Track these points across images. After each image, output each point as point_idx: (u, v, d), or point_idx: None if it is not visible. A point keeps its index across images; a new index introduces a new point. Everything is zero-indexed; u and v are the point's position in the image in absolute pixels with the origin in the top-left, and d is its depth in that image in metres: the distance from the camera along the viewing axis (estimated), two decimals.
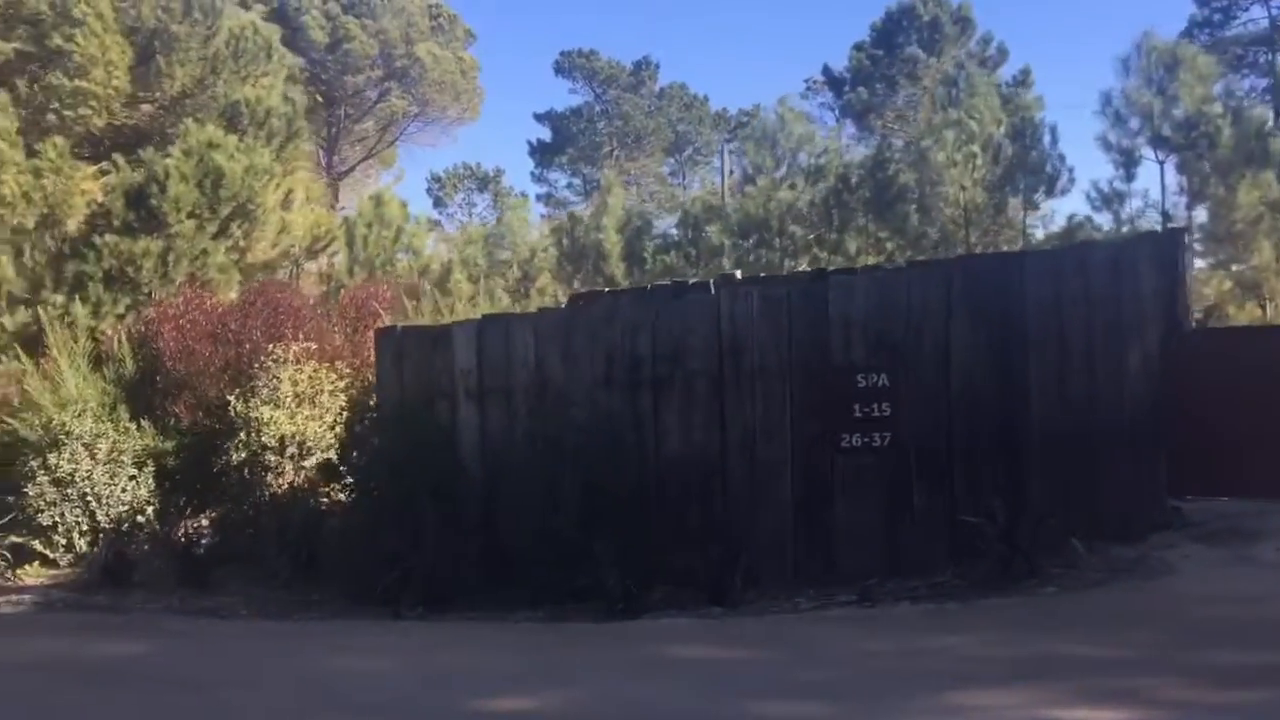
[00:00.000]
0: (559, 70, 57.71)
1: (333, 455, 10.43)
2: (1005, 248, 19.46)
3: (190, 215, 15.36)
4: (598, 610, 7.76)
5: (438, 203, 55.23)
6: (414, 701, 5.80)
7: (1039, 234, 22.20)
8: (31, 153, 14.21)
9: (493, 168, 55.81)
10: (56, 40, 14.03)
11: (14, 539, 11.03)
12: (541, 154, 58.19)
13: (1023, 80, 32.01)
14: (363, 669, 6.69)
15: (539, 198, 55.50)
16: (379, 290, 14.09)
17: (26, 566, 11.12)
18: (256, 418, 10.90)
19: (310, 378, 11.58)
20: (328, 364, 11.82)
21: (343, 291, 15.46)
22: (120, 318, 14.62)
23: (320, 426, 11.05)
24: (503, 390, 9.37)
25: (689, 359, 8.70)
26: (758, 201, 20.76)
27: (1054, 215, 22.80)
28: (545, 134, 57.53)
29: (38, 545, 11.01)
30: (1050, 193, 21.10)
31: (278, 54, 18.09)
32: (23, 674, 7.00)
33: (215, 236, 15.71)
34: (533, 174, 58.19)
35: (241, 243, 16.14)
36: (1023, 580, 7.49)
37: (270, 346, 11.69)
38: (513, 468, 8.87)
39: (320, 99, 38.05)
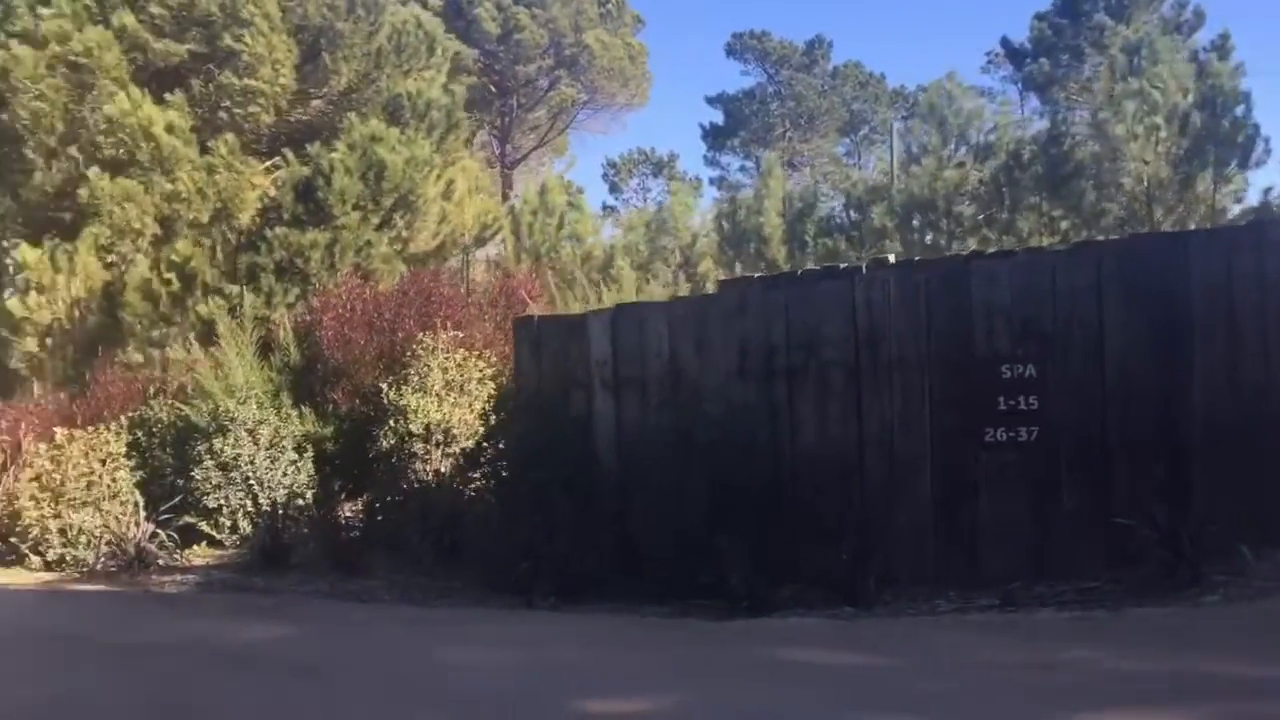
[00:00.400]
0: (730, 52, 57.38)
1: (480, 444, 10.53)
2: (1194, 224, 18.22)
3: (355, 207, 15.83)
4: (723, 608, 7.58)
5: (613, 189, 55.78)
6: (523, 695, 5.75)
7: (1235, 210, 20.71)
8: (205, 150, 14.90)
9: (667, 152, 55.96)
10: (227, 41, 14.64)
11: (187, 520, 11.62)
12: (714, 137, 57.96)
13: (1220, 46, 29.92)
14: (483, 659, 6.70)
15: (711, 181, 55.26)
16: (529, 278, 14.22)
17: (195, 547, 11.69)
18: (404, 405, 11.13)
19: (459, 366, 11.76)
20: (477, 352, 11.99)
21: (493, 279, 15.68)
22: (290, 307, 15.18)
23: (468, 414, 11.20)
24: (637, 381, 9.27)
25: (824, 349, 8.39)
26: (923, 181, 20.04)
27: (1249, 189, 21.19)
28: (717, 117, 57.28)
29: (205, 526, 11.55)
30: (1244, 165, 19.61)
31: (441, 47, 18.43)
32: (165, 653, 7.30)
33: (379, 228, 16.16)
34: (705, 158, 58.05)
35: (404, 233, 16.54)
36: (1184, 589, 6.93)
37: (420, 335, 11.94)
38: (644, 460, 8.76)
39: (494, 89, 38.89)
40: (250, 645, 7.61)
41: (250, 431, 11.76)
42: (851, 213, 21.89)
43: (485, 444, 9.70)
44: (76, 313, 15.78)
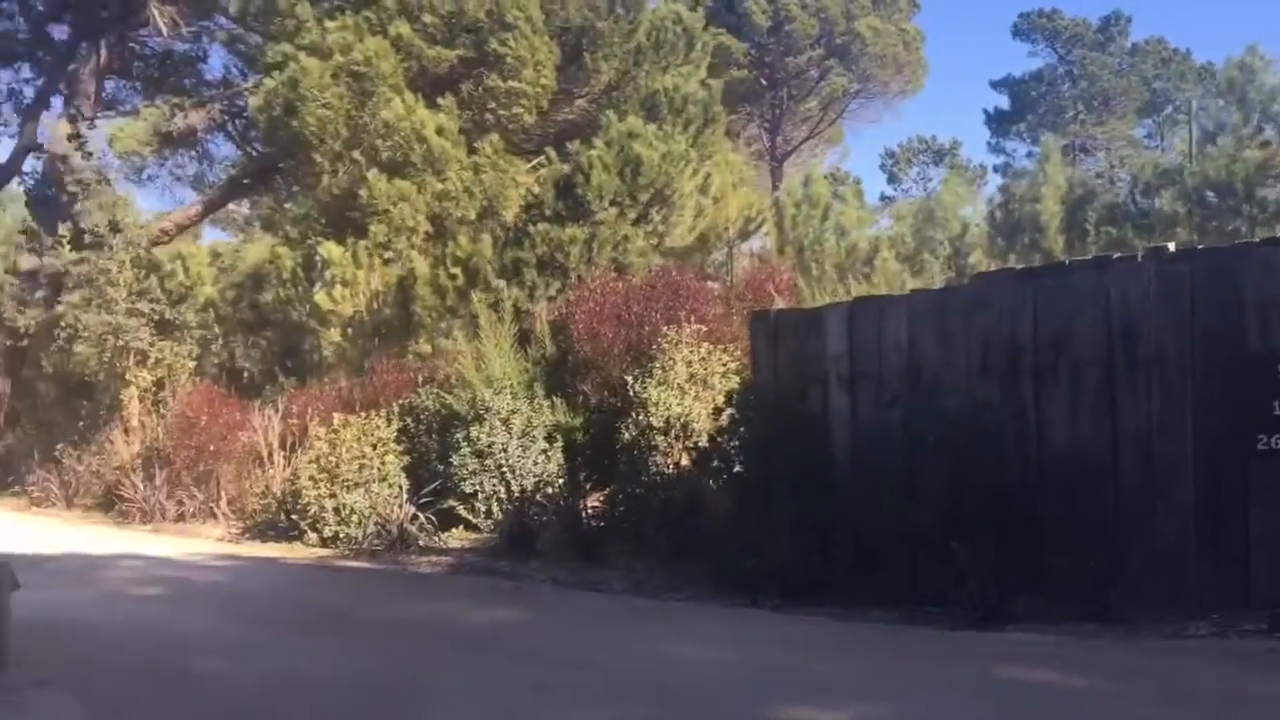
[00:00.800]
0: (1017, 33, 54.67)
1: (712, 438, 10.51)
2: None
3: (612, 203, 16.14)
4: (954, 616, 7.20)
5: (892, 179, 54.47)
6: (726, 696, 5.67)
7: None
8: (472, 150, 15.59)
9: (948, 140, 54.07)
10: (493, 45, 15.25)
11: (450, 503, 12.23)
12: (998, 123, 55.48)
13: None
14: (697, 656, 6.67)
15: (995, 169, 52.97)
16: (777, 271, 14.06)
17: (453, 530, 12.28)
18: (646, 398, 11.25)
19: (702, 360, 11.79)
20: (721, 347, 11.98)
21: (739, 273, 15.61)
22: (550, 300, 15.65)
23: (709, 409, 11.19)
24: (873, 376, 8.94)
25: (1074, 346, 7.80)
26: (1219, 163, 18.39)
27: None
28: (1002, 101, 54.80)
29: (462, 511, 12.11)
30: None
31: (700, 42, 18.49)
32: (405, 630, 7.69)
33: (635, 223, 16.40)
34: (989, 144, 55.64)
35: (660, 228, 16.73)
36: None
37: (665, 328, 12.04)
38: (878, 458, 8.46)
39: (764, 82, 38.79)
40: (484, 627, 7.89)
41: (504, 421, 12.21)
42: (1139, 199, 20.36)
43: (718, 439, 9.64)
44: (375, 305, 16.85)
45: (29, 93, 20.47)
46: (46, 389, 19.96)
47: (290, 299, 19.97)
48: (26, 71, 20.89)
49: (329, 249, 16.45)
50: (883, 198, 50.11)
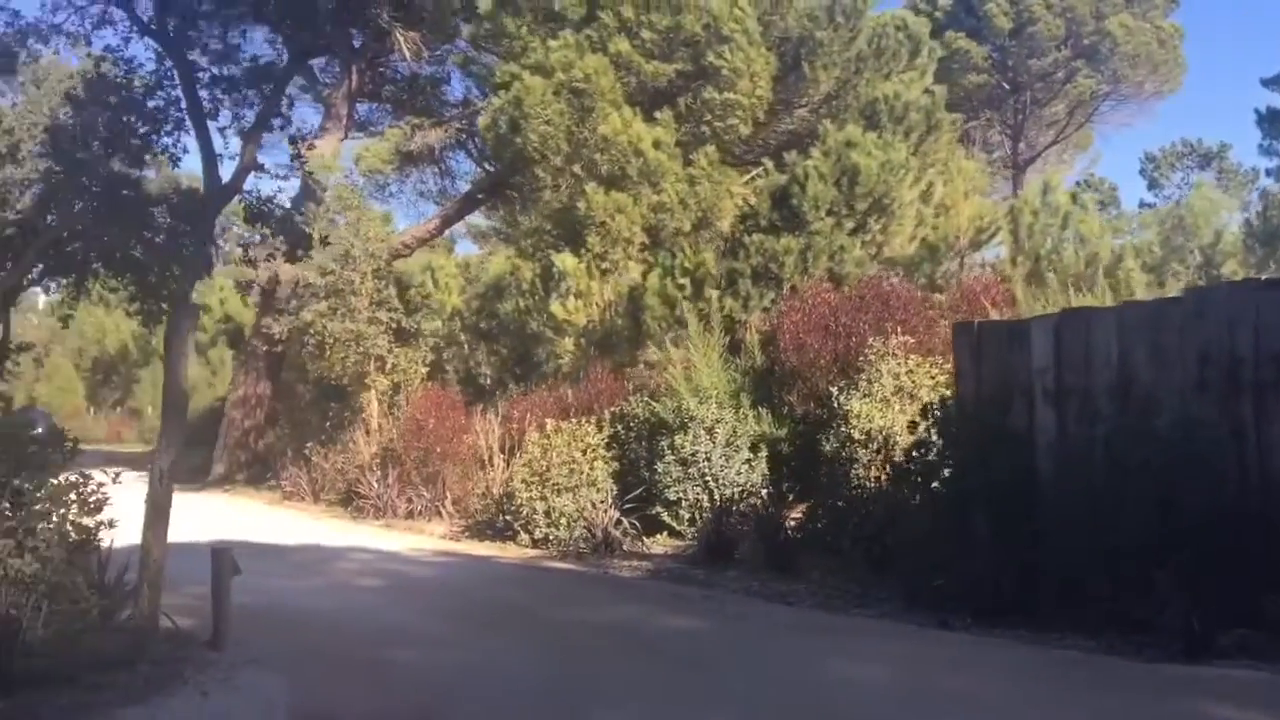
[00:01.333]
0: None
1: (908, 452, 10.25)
2: None
3: (828, 213, 15.99)
4: (1155, 647, 6.76)
5: (1152, 184, 51.38)
6: None
7: None
8: (687, 162, 15.79)
9: (1216, 143, 50.54)
10: (710, 58, 15.40)
11: (655, 510, 12.43)
12: (1270, 123, 51.35)
13: None
14: (870, 678, 6.54)
15: (1269, 173, 49.07)
16: (993, 281, 13.56)
17: (657, 536, 12.46)
18: (848, 410, 11.09)
19: (909, 372, 11.53)
20: (931, 359, 11.67)
21: (953, 283, 15.12)
22: (765, 311, 15.65)
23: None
24: (1080, 391, 8.50)
25: None
26: None
27: None
28: (1276, 100, 50.67)
29: (666, 517, 12.28)
30: None
31: (926, 48, 18.08)
32: (586, 632, 7.90)
33: (852, 232, 16.19)
34: (1260, 146, 51.57)
35: (879, 237, 16.44)
36: None
37: (871, 340, 11.84)
38: (1082, 477, 8.04)
39: (1005, 86, 37.36)
40: (662, 634, 8.00)
41: (709, 430, 12.31)
42: None
43: (913, 452, 9.39)
44: (607, 315, 17.31)
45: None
46: (302, 391, 21.50)
47: (529, 309, 20.82)
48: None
49: (564, 260, 16.93)
50: (1142, 205, 47.37)
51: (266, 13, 22.52)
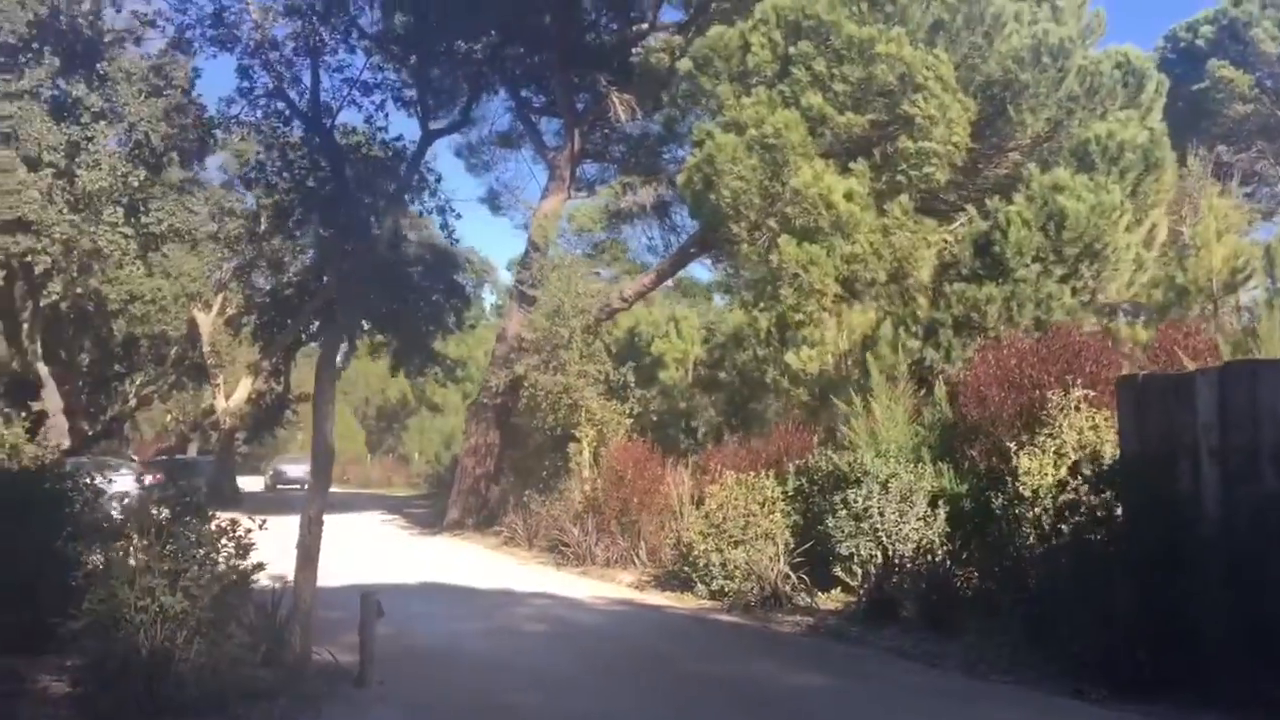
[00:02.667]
0: None
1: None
2: None
3: (1035, 259, 15.37)
4: None
5: None
6: None
7: None
8: (881, 212, 15.59)
9: None
10: (904, 107, 15.20)
11: (830, 564, 12.29)
12: None
13: None
14: None
15: None
16: (1195, 328, 12.65)
17: (831, 592, 12.30)
18: (1015, 466, 10.63)
19: (1094, 427, 10.92)
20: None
21: (1156, 331, 14.14)
22: (967, 361, 15.18)
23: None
24: (1247, 449, 7.87)
25: None
26: None
27: None
28: None
29: (839, 572, 12.10)
30: None
31: (1154, 82, 17.10)
32: (709, 685, 8.03)
33: (1062, 279, 15.47)
34: None
35: (1091, 284, 15.64)
36: None
37: (1049, 394, 11.31)
38: (1238, 545, 7.44)
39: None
40: (783, 691, 7.95)
41: (882, 484, 12.06)
42: None
43: (1065, 513, 8.91)
44: (842, 365, 17.25)
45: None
46: (525, 441, 22.48)
47: (765, 358, 21.06)
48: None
49: (790, 312, 16.81)
50: None
51: (504, 80, 24.01)
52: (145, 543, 6.90)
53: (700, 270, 24.51)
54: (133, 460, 45.31)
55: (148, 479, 22.76)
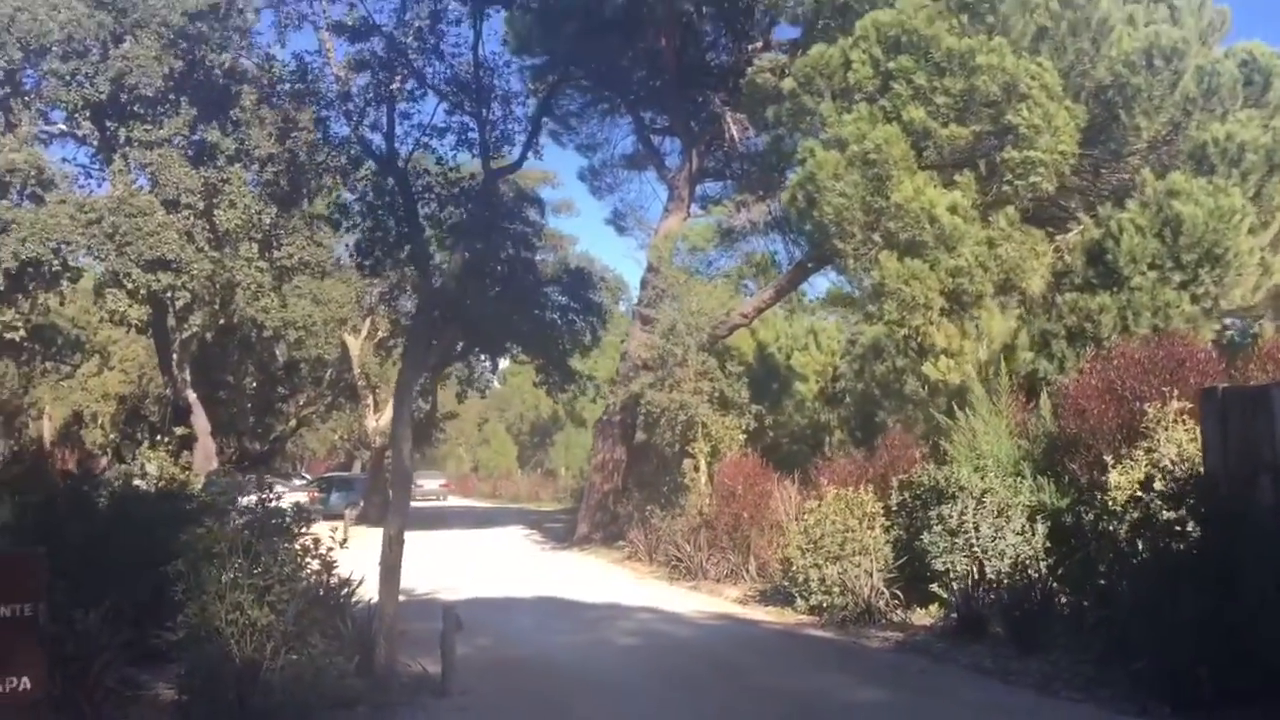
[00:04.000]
0: None
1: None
2: None
3: (1151, 266, 15.02)
4: None
5: None
6: None
7: None
8: (986, 224, 15.42)
9: None
10: (1008, 117, 15.02)
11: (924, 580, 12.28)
12: None
13: None
14: None
15: None
16: None
17: (929, 608, 12.27)
18: (1104, 480, 10.48)
19: (1193, 440, 10.67)
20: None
21: (1263, 341, 13.60)
22: (1081, 373, 14.91)
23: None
24: None
25: None
26: None
27: None
28: None
29: (935, 588, 12.07)
30: None
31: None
32: (773, 698, 8.19)
33: (1181, 286, 15.05)
34: None
35: (1212, 290, 15.14)
36: None
37: (1146, 406, 11.10)
38: None
39: None
40: (844, 705, 8.10)
41: (978, 499, 11.99)
42: None
43: (1142, 528, 8.78)
44: (985, 375, 17.11)
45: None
46: (649, 457, 22.88)
47: (903, 369, 20.97)
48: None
49: (929, 327, 16.77)
50: None
51: (626, 104, 24.59)
52: (236, 560, 7.50)
53: (824, 282, 24.45)
54: (304, 477, 47.69)
55: (302, 496, 23.84)
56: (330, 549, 8.16)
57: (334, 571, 8.18)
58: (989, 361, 17.53)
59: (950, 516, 11.99)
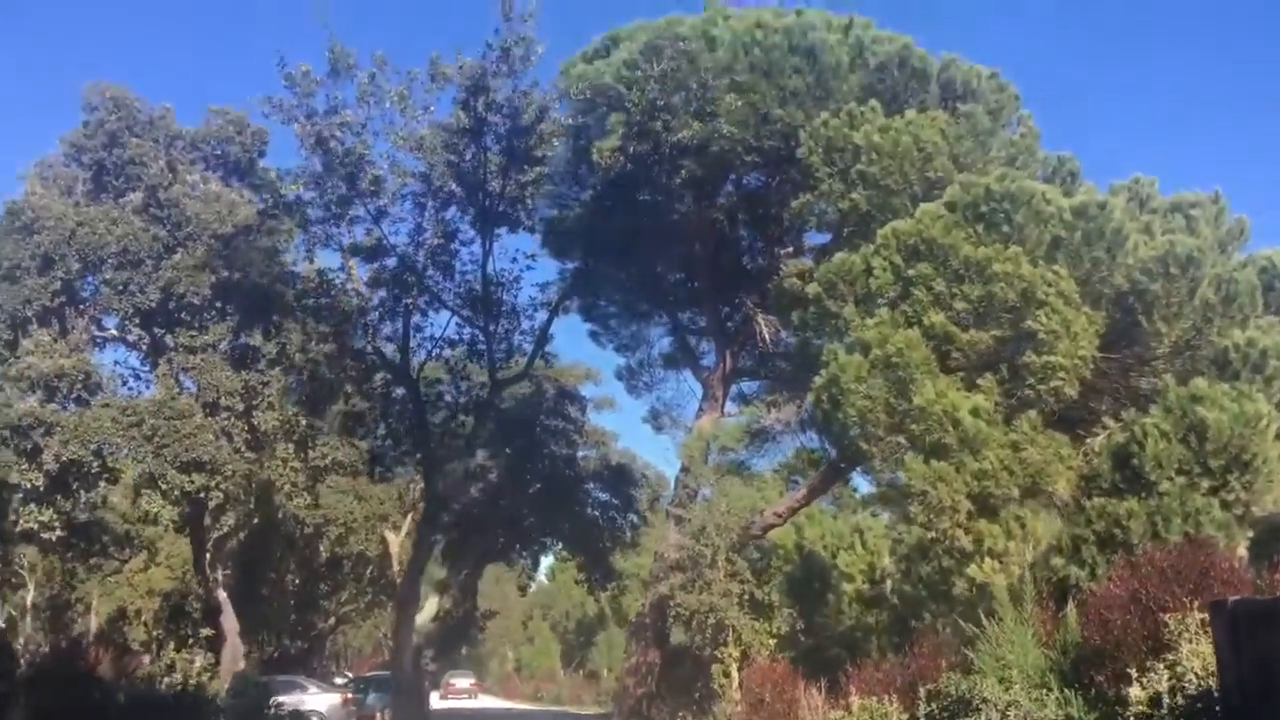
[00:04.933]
0: None
1: None
2: None
3: (1179, 472, 14.89)
4: None
5: None
6: None
7: None
8: (1009, 427, 15.47)
9: None
10: (1027, 322, 15.27)
11: None
12: None
13: None
14: None
15: None
16: None
17: None
18: (1124, 695, 10.18)
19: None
20: None
21: None
22: (1109, 581, 14.63)
23: None
24: None
25: None
26: None
27: None
28: None
29: None
30: None
31: None
32: None
33: (1210, 492, 14.86)
34: None
35: (1242, 495, 14.93)
36: None
37: (1166, 617, 10.86)
38: None
39: None
40: None
41: (1002, 713, 11.65)
42: None
43: None
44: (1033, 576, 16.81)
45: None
46: (681, 660, 22.44)
47: (949, 570, 20.62)
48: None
49: (981, 525, 16.57)
50: None
51: (663, 307, 25.29)
52: None
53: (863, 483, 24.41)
54: (346, 675, 47.13)
55: (335, 698, 23.59)
56: None
57: None
58: (1035, 563, 17.28)
59: None
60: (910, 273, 16.26)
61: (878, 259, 16.66)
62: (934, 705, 13.38)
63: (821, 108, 19.82)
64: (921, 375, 15.68)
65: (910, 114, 18.32)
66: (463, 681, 56.70)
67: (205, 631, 21.56)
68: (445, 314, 12.20)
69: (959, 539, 15.93)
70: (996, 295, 15.62)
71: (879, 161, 17.90)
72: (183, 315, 22.04)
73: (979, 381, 15.94)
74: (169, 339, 22.21)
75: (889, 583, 26.19)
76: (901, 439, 16.06)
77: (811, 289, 17.78)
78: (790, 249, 23.24)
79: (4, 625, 29.98)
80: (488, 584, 51.31)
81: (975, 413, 15.44)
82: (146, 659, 24.76)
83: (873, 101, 18.88)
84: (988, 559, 18.00)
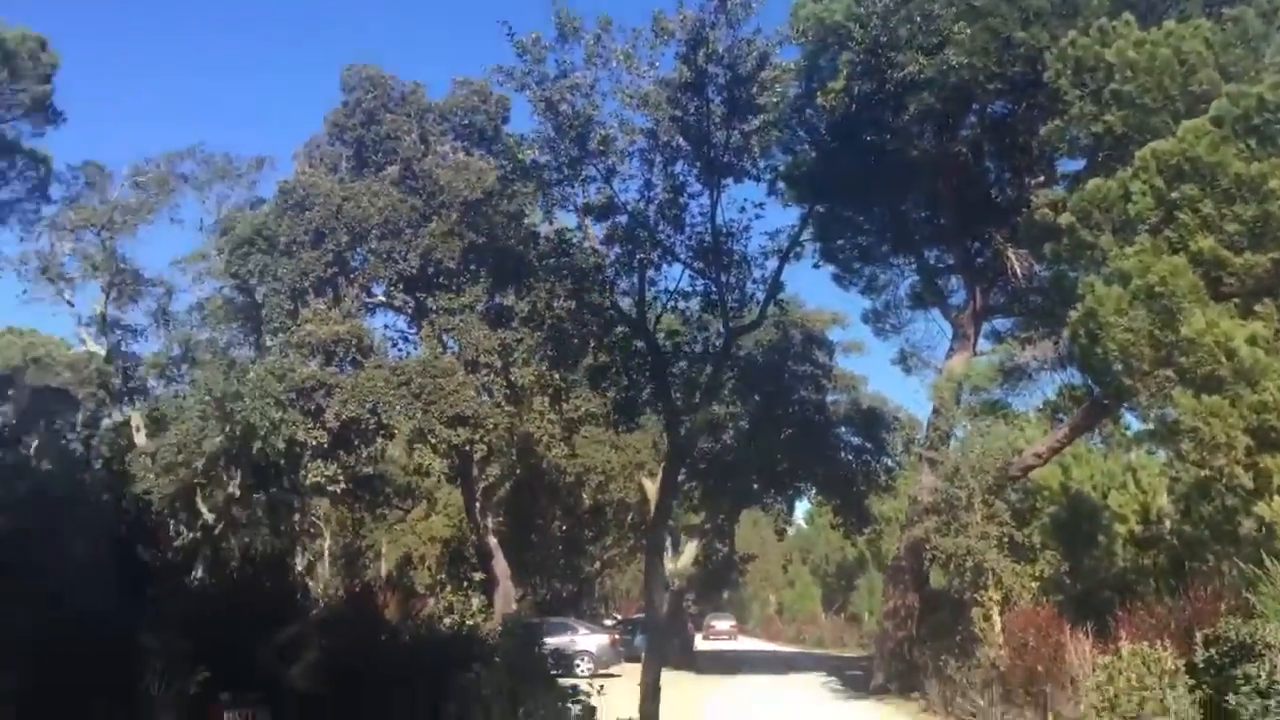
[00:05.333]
0: None
1: None
2: None
3: None
4: None
5: None
6: None
7: None
8: None
9: None
10: None
11: None
12: None
13: None
14: None
15: None
16: None
17: None
18: None
19: None
20: None
21: None
22: None
23: None
24: None
25: None
26: None
27: None
28: None
29: None
30: None
31: None
32: None
33: None
34: None
35: None
36: None
37: None
38: None
39: None
40: None
41: None
42: None
43: None
44: None
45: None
46: (940, 603, 22.13)
47: (1234, 508, 19.61)
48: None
49: (1234, 467, 15.74)
50: None
51: (908, 246, 24.82)
52: (498, 707, 8.07)
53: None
54: (615, 617, 49.01)
55: (604, 638, 24.85)
56: (589, 694, 8.57)
57: (595, 718, 8.57)
58: None
59: (1258, 676, 11.01)
60: (1173, 196, 15.22)
61: (1137, 183, 15.68)
62: (1212, 650, 12.72)
63: (1069, 26, 18.72)
64: (1190, 304, 14.71)
65: (1169, 24, 17.02)
66: (723, 624, 58.41)
67: (479, 575, 23.03)
68: (678, 267, 12.59)
69: (1239, 477, 14.94)
70: (1274, 214, 14.44)
71: (1135, 79, 16.76)
72: (440, 279, 23.58)
73: (1256, 308, 14.83)
74: (430, 302, 23.85)
75: (1166, 523, 24.92)
76: (1169, 373, 15.15)
77: (1065, 219, 16.93)
78: (1041, 178, 22.17)
79: (303, 570, 32.81)
80: (745, 529, 51.98)
81: (1252, 341, 14.39)
82: (431, 601, 26.65)
83: (1126, 15, 17.66)
84: (1276, 496, 16.87)
